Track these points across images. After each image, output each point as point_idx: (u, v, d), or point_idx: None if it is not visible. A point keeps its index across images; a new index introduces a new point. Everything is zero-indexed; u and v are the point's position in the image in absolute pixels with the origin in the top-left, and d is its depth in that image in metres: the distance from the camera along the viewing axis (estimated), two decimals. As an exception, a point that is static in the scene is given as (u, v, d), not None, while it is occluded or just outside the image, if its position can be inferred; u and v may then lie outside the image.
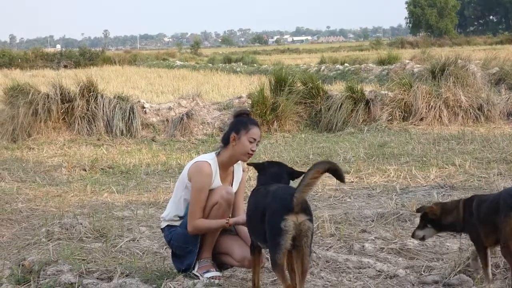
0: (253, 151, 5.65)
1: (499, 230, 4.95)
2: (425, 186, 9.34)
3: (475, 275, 5.40)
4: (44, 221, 8.04)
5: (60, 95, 15.50)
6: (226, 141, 5.71)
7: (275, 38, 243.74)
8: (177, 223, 5.79)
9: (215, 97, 21.03)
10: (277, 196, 4.88)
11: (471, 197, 5.37)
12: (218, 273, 5.69)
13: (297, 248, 4.71)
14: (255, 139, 5.63)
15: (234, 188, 5.81)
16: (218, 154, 5.74)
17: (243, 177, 5.98)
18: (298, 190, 4.63)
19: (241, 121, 5.72)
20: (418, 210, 5.54)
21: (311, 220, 4.70)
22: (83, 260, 6.41)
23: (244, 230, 5.84)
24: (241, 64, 45.84)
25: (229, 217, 5.77)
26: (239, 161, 5.84)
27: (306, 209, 4.70)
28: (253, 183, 9.86)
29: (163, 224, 5.91)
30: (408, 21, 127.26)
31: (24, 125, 15.05)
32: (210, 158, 5.70)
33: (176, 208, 5.81)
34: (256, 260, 5.21)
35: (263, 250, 5.29)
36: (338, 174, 4.76)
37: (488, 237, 5.11)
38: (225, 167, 5.77)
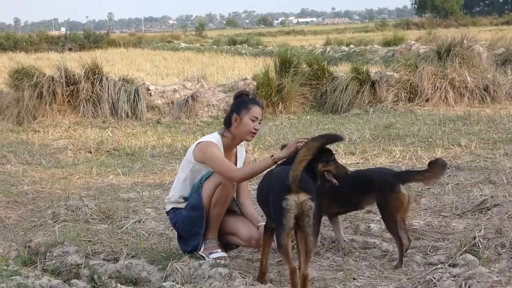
0: (256, 129, 5.65)
1: (378, 205, 5.69)
2: (431, 166, 9.31)
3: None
4: (50, 203, 8.05)
5: (65, 77, 15.47)
6: (228, 123, 5.70)
7: (280, 19, 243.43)
8: (182, 206, 5.78)
9: (220, 79, 20.99)
10: (279, 176, 4.90)
11: None
12: (224, 254, 5.69)
13: (300, 229, 4.71)
14: (256, 118, 5.63)
15: None
16: (221, 135, 5.74)
17: (247, 158, 5.97)
18: (291, 169, 4.64)
19: (241, 101, 5.72)
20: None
21: (312, 200, 4.69)
22: (89, 241, 6.43)
23: (249, 210, 5.86)
24: (246, 46, 45.79)
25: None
26: (242, 143, 5.84)
27: (307, 189, 4.69)
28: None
29: (168, 207, 5.91)
30: (413, 2, 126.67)
31: (29, 108, 15.05)
32: (214, 138, 5.69)
33: (180, 189, 5.80)
34: (267, 241, 5.18)
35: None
36: (334, 140, 5.11)
37: (331, 208, 5.79)
38: (229, 148, 5.77)
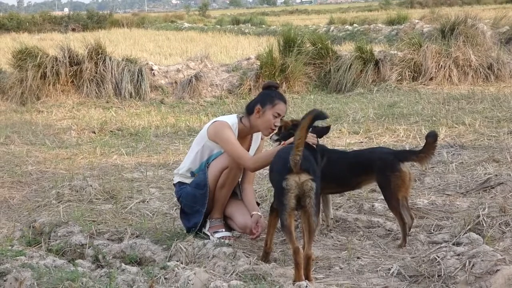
0: (276, 126, 5.63)
1: (378, 184, 5.75)
2: (434, 145, 9.29)
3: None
4: (54, 183, 8.07)
5: (69, 58, 15.45)
6: (250, 111, 5.68)
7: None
8: (188, 181, 5.81)
9: (223, 59, 20.93)
10: (280, 156, 4.91)
11: (320, 147, 5.64)
12: (228, 233, 5.73)
13: (303, 209, 4.71)
14: (279, 114, 5.60)
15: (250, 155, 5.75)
16: (240, 120, 5.73)
17: (261, 145, 5.96)
18: (291, 154, 4.61)
19: (268, 95, 5.68)
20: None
21: (314, 180, 4.67)
22: (94, 221, 6.45)
23: (248, 197, 5.87)
24: (250, 25, 45.55)
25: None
26: None
27: (309, 169, 4.68)
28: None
29: (176, 179, 5.96)
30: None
31: (33, 88, 15.04)
32: (231, 121, 5.68)
33: (190, 162, 5.82)
34: (273, 221, 5.18)
35: None
36: (320, 116, 4.81)
37: (328, 188, 5.71)
38: (244, 135, 5.76)
